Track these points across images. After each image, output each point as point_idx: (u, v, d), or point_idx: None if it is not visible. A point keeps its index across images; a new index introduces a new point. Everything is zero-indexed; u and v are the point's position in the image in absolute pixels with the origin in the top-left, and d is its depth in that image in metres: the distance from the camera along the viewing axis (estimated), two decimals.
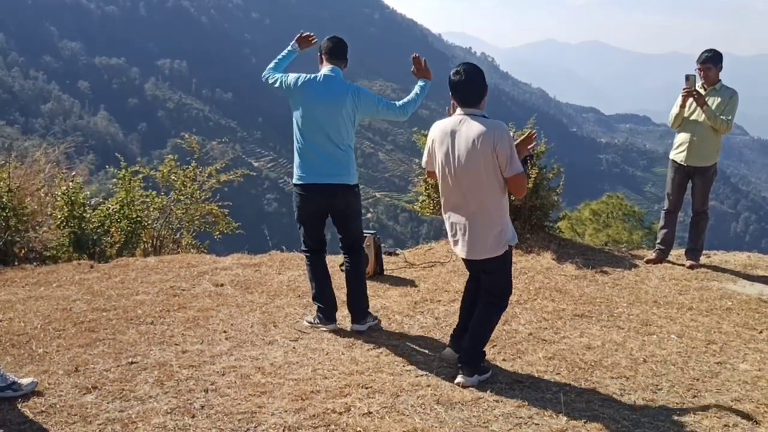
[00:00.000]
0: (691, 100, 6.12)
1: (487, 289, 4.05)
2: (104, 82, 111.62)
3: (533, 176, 6.68)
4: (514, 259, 6.39)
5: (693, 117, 6.15)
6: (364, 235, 6.07)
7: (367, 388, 3.83)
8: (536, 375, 4.05)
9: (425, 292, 5.60)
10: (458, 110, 3.91)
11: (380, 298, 5.47)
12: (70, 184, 7.20)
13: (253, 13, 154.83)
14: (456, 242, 4.03)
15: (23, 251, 6.62)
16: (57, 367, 4.03)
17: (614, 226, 19.98)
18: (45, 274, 6.02)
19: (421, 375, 4.02)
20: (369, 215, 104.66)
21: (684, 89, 6.13)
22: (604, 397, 3.77)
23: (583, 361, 4.25)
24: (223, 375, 3.98)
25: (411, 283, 5.88)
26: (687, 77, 6.13)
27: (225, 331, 4.70)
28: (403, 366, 4.15)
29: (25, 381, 3.70)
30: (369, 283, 5.81)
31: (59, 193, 7.11)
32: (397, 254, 6.71)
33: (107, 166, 9.95)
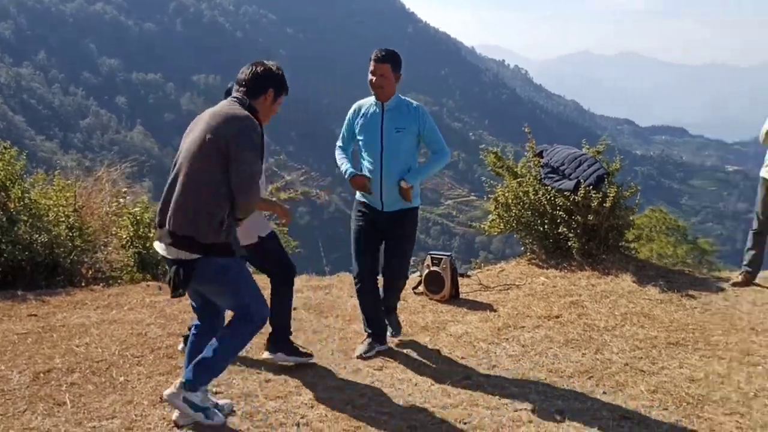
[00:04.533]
0: None
1: None
2: (141, 97, 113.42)
3: (611, 195, 6.44)
4: (593, 282, 6.19)
5: None
6: (440, 256, 5.90)
7: (465, 423, 3.63)
8: (642, 411, 3.81)
9: (506, 318, 5.38)
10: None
11: (460, 324, 5.26)
12: (136, 203, 7.14)
13: (288, 28, 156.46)
14: None
15: (90, 272, 6.55)
16: (141, 397, 3.89)
17: (658, 240, 19.54)
18: (115, 296, 5.93)
19: (520, 409, 3.80)
20: None
21: None
22: None
23: (689, 395, 3.99)
24: (312, 408, 3.81)
25: (489, 307, 5.66)
26: None
27: None
28: (499, 399, 3.94)
29: (223, 401, 3.65)
30: (446, 307, 5.65)
31: (125, 213, 7.05)
32: (470, 276, 6.50)
33: (144, 181, 9.93)
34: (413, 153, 4.51)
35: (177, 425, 3.43)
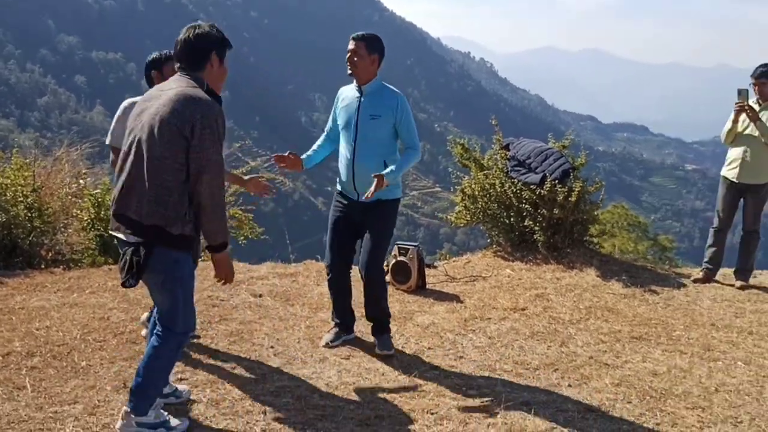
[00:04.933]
0: (743, 115, 5.95)
1: None
2: (101, 77, 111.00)
3: (576, 190, 6.51)
4: (558, 275, 6.26)
5: (746, 132, 5.98)
6: (407, 246, 5.89)
7: (433, 414, 3.63)
8: (607, 403, 3.86)
9: (473, 309, 5.40)
10: None
11: (427, 314, 5.27)
12: (98, 185, 6.97)
13: (252, 11, 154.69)
14: None
15: (50, 254, 6.38)
16: (103, 382, 3.82)
17: (620, 236, 19.85)
18: (76, 279, 5.78)
19: (487, 401, 3.81)
20: None
21: (737, 104, 5.97)
22: (686, 430, 3.58)
23: (652, 389, 4.06)
24: (278, 396, 3.78)
25: (456, 298, 5.68)
26: (739, 92, 5.97)
27: (272, 347, 4.49)
28: (467, 390, 3.95)
29: (181, 387, 3.56)
30: (412, 298, 5.66)
31: (86, 194, 6.88)
32: (437, 267, 6.51)
33: (105, 163, 9.68)
34: (391, 143, 4.34)
35: None
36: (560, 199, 6.50)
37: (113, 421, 3.34)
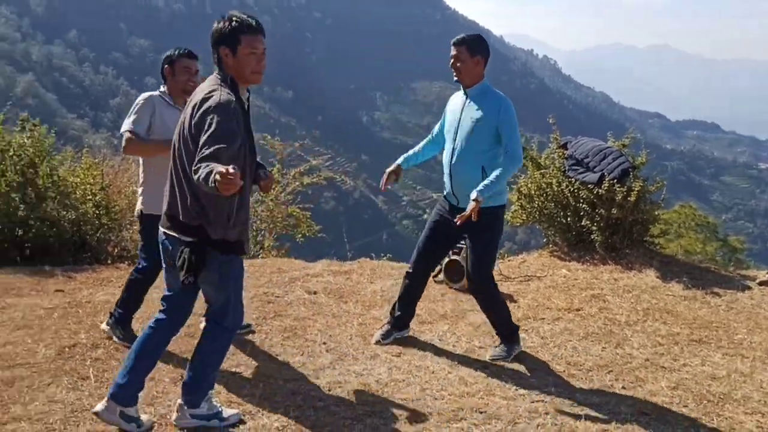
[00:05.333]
0: None
1: None
2: None
3: (636, 189, 6.38)
4: (615, 276, 6.14)
5: None
6: (462, 245, 5.88)
7: (481, 412, 3.63)
8: (662, 407, 3.78)
9: (526, 309, 5.37)
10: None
11: (480, 313, 5.20)
12: None
13: (315, 12, 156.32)
14: None
15: (116, 250, 6.63)
16: (162, 374, 3.95)
17: (686, 236, 19.27)
18: None
19: (537, 401, 3.80)
20: (426, 216, 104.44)
21: None
22: None
23: (710, 393, 3.96)
24: (330, 391, 3.84)
25: (509, 297, 5.64)
26: None
27: (324, 343, 4.56)
28: (516, 390, 3.94)
29: (229, 412, 3.49)
30: (465, 297, 5.65)
31: None
32: None
33: None
34: (491, 148, 4.15)
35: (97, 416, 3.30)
36: (619, 198, 6.38)
37: (170, 413, 3.46)
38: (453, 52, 4.19)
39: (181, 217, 3.12)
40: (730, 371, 4.28)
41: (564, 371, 4.23)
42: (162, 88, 4.41)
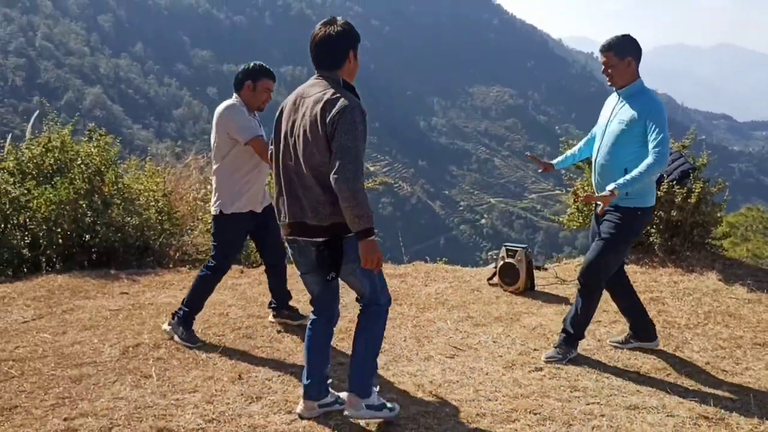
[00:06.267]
0: None
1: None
2: (231, 88, 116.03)
3: (696, 191, 6.23)
4: (675, 279, 6.01)
5: None
6: (515, 248, 5.87)
7: (535, 414, 3.61)
8: (723, 411, 3.68)
9: None
10: None
11: (535, 316, 5.23)
12: None
13: (373, 20, 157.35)
14: None
15: (177, 254, 6.85)
16: (221, 373, 4.07)
17: (754, 240, 18.63)
18: None
19: (593, 403, 3.75)
20: (483, 221, 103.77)
21: None
22: None
23: None
24: (383, 391, 3.86)
25: (565, 300, 5.59)
26: None
27: None
28: (571, 392, 3.90)
29: (344, 395, 3.62)
30: (520, 299, 5.63)
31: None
32: (546, 269, 6.43)
33: None
34: (638, 151, 4.00)
35: (301, 417, 3.50)
36: (678, 200, 6.25)
37: (228, 409, 3.57)
38: (602, 59, 4.13)
39: (311, 221, 3.21)
40: None
41: (621, 374, 4.16)
42: (236, 99, 4.51)
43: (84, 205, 6.45)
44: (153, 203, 6.97)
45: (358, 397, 3.40)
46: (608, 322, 5.07)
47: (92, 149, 6.73)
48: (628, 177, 3.91)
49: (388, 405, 3.49)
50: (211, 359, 4.30)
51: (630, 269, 6.40)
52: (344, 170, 3.03)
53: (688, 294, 5.67)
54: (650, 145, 3.94)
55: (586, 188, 6.94)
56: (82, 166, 6.57)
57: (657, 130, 3.95)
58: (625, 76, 4.10)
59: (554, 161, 4.60)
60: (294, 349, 4.50)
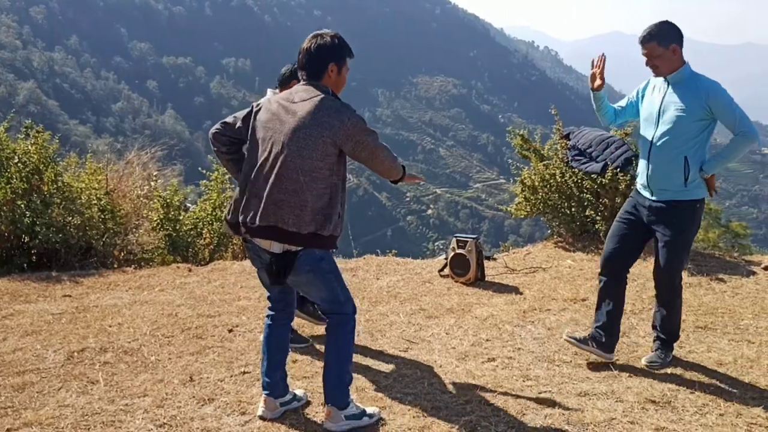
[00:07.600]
0: None
1: None
2: (171, 81, 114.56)
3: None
4: None
5: None
6: (466, 239, 5.91)
7: (489, 405, 3.65)
8: (669, 394, 3.79)
9: (532, 300, 5.38)
10: None
11: (486, 306, 5.28)
12: (167, 186, 7.26)
13: (315, 10, 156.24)
14: None
15: (122, 254, 6.68)
16: (171, 376, 3.99)
17: None
18: (146, 278, 6.05)
19: (545, 392, 3.81)
20: (429, 211, 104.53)
21: None
22: (751, 421, 3.49)
23: (717, 380, 3.96)
24: (313, 380, 3.87)
25: (515, 290, 5.67)
26: None
27: None
28: (523, 381, 3.95)
29: (299, 392, 3.68)
30: (471, 290, 5.68)
31: (156, 196, 7.17)
32: (496, 259, 6.50)
33: (174, 164, 10.03)
34: (697, 138, 3.93)
35: (263, 418, 3.47)
36: (622, 187, 6.39)
37: (180, 413, 3.50)
38: (643, 51, 3.96)
39: (289, 227, 3.13)
40: (736, 357, 4.27)
41: (570, 361, 4.24)
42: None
43: (22, 206, 6.24)
44: (95, 202, 6.78)
45: (336, 408, 3.37)
46: (558, 310, 5.16)
47: (30, 147, 6.50)
48: (718, 156, 3.98)
49: (368, 411, 3.47)
50: (161, 362, 4.21)
51: (577, 257, 6.54)
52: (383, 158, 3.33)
53: (632, 280, 5.76)
54: (732, 127, 3.91)
55: (533, 177, 7.03)
56: (19, 164, 6.35)
57: (729, 111, 3.89)
58: (673, 63, 3.96)
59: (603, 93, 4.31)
60: (246, 348, 4.44)
